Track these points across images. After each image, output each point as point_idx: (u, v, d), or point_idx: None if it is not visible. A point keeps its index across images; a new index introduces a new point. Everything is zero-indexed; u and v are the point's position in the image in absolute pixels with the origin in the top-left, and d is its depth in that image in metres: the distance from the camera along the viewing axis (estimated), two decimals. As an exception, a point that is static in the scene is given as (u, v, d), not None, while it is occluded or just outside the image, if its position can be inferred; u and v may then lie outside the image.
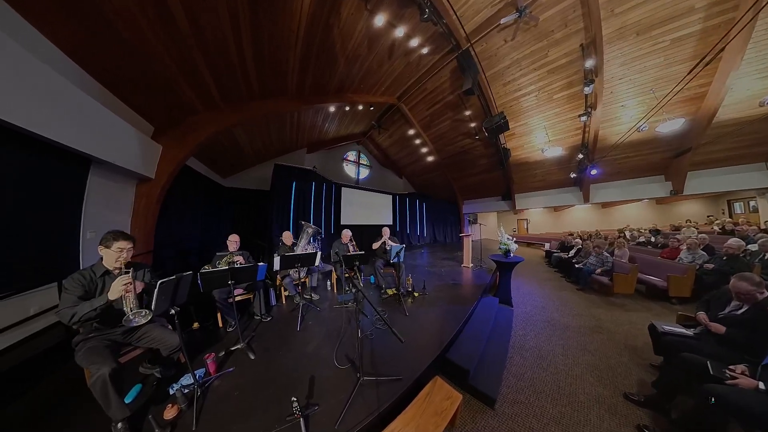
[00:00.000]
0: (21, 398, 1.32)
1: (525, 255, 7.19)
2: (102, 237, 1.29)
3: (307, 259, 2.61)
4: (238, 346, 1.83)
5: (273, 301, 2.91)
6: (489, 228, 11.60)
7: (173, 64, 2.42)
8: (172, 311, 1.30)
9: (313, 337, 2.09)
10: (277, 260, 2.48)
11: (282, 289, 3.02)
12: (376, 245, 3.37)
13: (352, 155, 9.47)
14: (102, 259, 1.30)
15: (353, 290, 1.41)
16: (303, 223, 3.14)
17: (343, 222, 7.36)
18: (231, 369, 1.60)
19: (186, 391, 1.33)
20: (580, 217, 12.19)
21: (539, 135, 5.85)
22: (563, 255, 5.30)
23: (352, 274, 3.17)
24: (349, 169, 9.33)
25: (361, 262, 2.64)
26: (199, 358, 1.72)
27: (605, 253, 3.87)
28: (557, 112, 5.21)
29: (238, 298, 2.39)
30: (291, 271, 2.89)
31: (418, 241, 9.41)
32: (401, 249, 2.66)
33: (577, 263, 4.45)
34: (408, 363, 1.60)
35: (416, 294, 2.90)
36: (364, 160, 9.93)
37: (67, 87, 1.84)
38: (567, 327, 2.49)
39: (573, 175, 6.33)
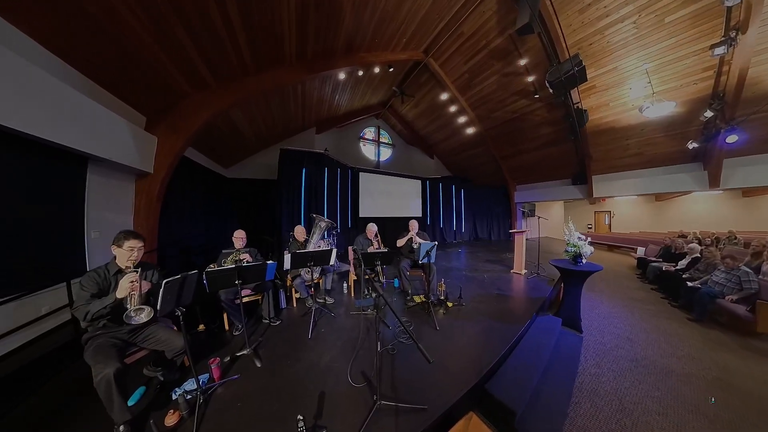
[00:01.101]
0: (32, 396, 1.57)
1: (604, 262, 6.42)
2: (115, 236, 1.51)
3: (321, 258, 2.65)
4: (244, 352, 1.95)
5: (283, 304, 3.06)
6: (551, 223, 10.47)
7: (154, 43, 2.53)
8: (178, 312, 1.43)
9: (326, 346, 2.13)
10: (287, 258, 2.56)
11: (293, 290, 3.15)
12: (401, 242, 3.32)
13: (370, 133, 9.35)
14: (115, 258, 1.52)
15: (373, 295, 1.37)
16: (314, 216, 3.19)
17: (362, 214, 7.40)
18: (236, 376, 1.72)
19: (188, 397, 1.45)
20: (699, 211, 9.57)
21: (637, 85, 4.61)
22: (668, 266, 4.43)
23: (373, 275, 3.15)
24: (368, 150, 9.25)
25: (384, 261, 2.63)
26: (203, 362, 1.87)
27: (744, 269, 2.95)
28: (670, 44, 3.96)
29: (245, 300, 2.54)
30: (303, 271, 2.97)
31: (453, 238, 9.12)
32: (432, 247, 2.60)
33: (692, 280, 3.62)
34: (436, 390, 1.54)
35: (450, 304, 2.84)
36: (384, 138, 9.74)
37: (49, 81, 1.95)
38: (668, 373, 2.08)
39: (692, 146, 4.80)
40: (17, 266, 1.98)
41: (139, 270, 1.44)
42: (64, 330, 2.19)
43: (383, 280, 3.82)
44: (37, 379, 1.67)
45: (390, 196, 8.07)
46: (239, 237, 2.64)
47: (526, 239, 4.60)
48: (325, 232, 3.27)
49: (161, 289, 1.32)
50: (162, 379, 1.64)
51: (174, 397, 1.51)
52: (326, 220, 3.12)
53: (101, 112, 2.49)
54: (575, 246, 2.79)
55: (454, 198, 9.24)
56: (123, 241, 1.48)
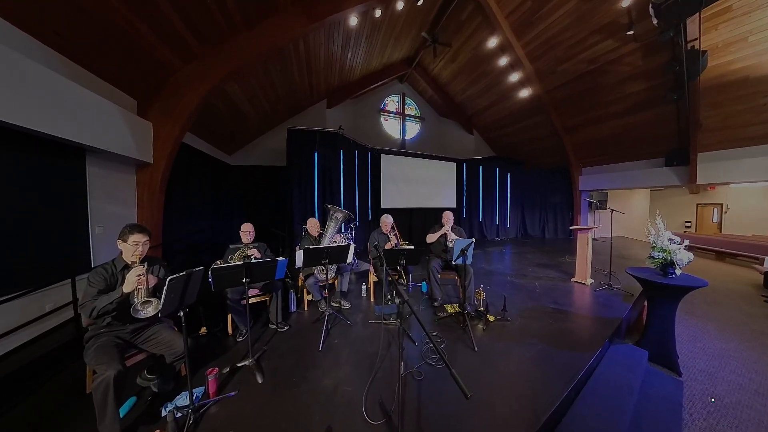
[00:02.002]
0: (31, 396, 1.73)
1: (710, 275, 5.46)
2: (120, 231, 1.63)
3: (337, 254, 2.63)
4: (246, 363, 1.99)
5: (293, 307, 3.14)
6: (629, 218, 9.30)
7: (129, 13, 2.56)
8: (181, 312, 1.51)
9: (339, 362, 2.10)
10: (299, 255, 2.57)
11: (305, 291, 3.20)
12: (432, 238, 3.26)
13: (392, 103, 9.09)
14: (122, 253, 1.65)
15: (397, 301, 1.31)
16: (329, 206, 3.17)
17: (384, 204, 7.35)
18: (233, 393, 1.73)
19: (179, 415, 1.47)
20: None
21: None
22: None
23: (397, 277, 3.13)
24: (391, 127, 9.07)
25: (409, 261, 2.58)
26: (201, 371, 1.92)
27: None
28: None
29: (252, 300, 2.60)
30: (316, 270, 2.99)
31: (496, 235, 8.88)
32: (469, 245, 2.54)
33: None
34: (476, 434, 1.43)
35: (491, 318, 2.74)
36: (411, 109, 9.44)
37: (25, 64, 2.02)
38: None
39: None
40: (21, 264, 2.22)
41: (145, 264, 1.57)
42: (66, 328, 2.45)
43: (409, 284, 3.87)
44: (37, 379, 1.87)
45: (418, 183, 7.88)
46: (247, 231, 2.71)
47: (593, 239, 4.33)
48: (342, 225, 3.23)
49: (164, 287, 1.38)
50: (155, 390, 1.70)
51: (163, 413, 1.55)
52: (343, 211, 3.08)
53: (88, 98, 2.61)
54: (665, 251, 2.41)
55: (498, 184, 8.88)
56: (128, 235, 1.60)
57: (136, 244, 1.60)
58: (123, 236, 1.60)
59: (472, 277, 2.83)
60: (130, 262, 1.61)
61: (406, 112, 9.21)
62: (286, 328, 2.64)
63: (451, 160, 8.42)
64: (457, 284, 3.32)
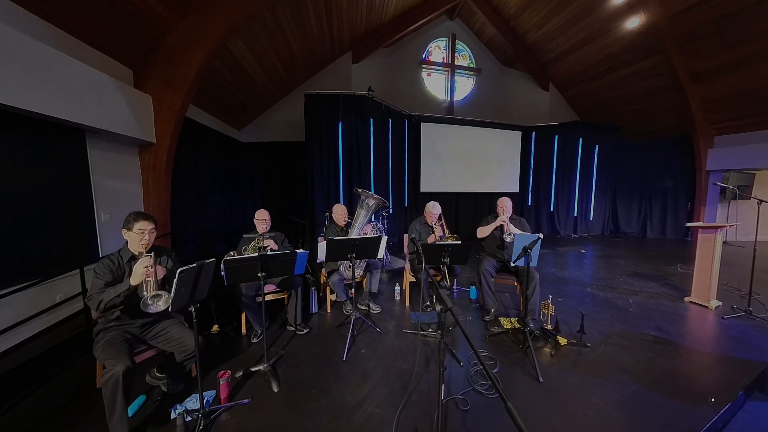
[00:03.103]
0: (40, 389, 2.02)
1: None
2: (125, 219, 1.80)
3: (366, 248, 2.69)
4: (260, 368, 2.16)
5: (314, 307, 3.32)
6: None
7: None
8: (192, 308, 1.66)
9: (366, 377, 2.16)
10: (321, 247, 2.68)
11: (327, 290, 3.36)
12: (484, 231, 3.22)
13: (438, 50, 8.74)
14: (127, 243, 1.82)
15: (438, 308, 1.34)
16: (359, 191, 3.24)
17: (424, 188, 7.33)
18: (246, 401, 1.90)
19: (188, 419, 1.65)
20: None
21: None
22: None
23: (439, 278, 3.11)
24: (435, 84, 8.78)
25: (455, 259, 2.58)
26: (212, 373, 2.13)
27: None
28: None
29: (268, 298, 2.80)
30: (342, 266, 3.10)
31: (574, 231, 8.51)
32: (535, 242, 2.44)
33: None
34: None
35: (562, 340, 2.64)
36: (463, 57, 8.99)
37: (11, 34, 2.18)
38: None
39: None
40: (29, 255, 2.64)
41: (152, 254, 1.73)
42: (77, 319, 2.88)
43: (454, 288, 3.86)
44: (49, 371, 2.23)
45: (468, 159, 7.69)
46: (262, 219, 2.89)
47: (724, 242, 4.00)
48: (373, 214, 3.30)
49: (175, 279, 1.51)
50: (165, 389, 1.93)
51: (173, 415, 1.76)
52: (375, 196, 3.11)
53: (80, 70, 2.85)
54: None
55: (581, 161, 8.30)
56: (132, 223, 1.77)
57: (142, 233, 1.76)
58: (127, 225, 1.78)
59: (538, 284, 2.77)
60: (136, 253, 1.78)
61: (456, 63, 8.75)
62: (306, 331, 2.81)
63: (516, 128, 8.06)
64: (517, 292, 3.27)
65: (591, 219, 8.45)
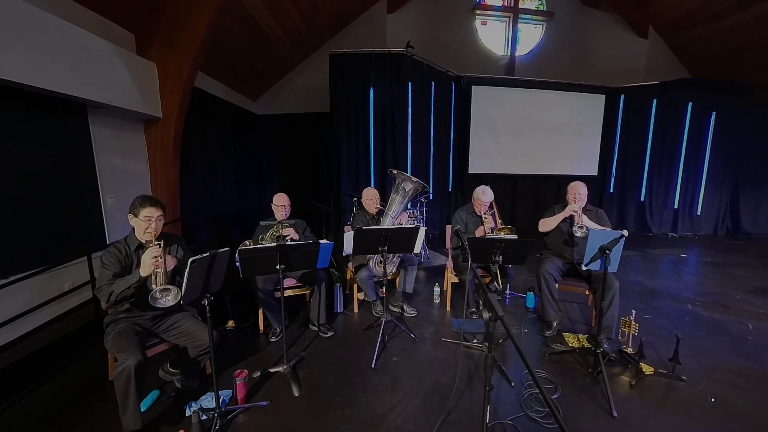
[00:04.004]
0: (49, 381, 2.29)
1: None
2: (131, 203, 1.94)
3: (401, 240, 2.75)
4: (279, 369, 2.34)
5: (339, 307, 3.48)
6: None
7: None
8: (205, 301, 1.78)
9: (396, 389, 2.27)
10: (347, 237, 2.80)
11: (354, 287, 3.49)
12: (548, 224, 3.19)
13: None
14: (134, 230, 1.98)
15: (486, 315, 1.32)
16: (395, 172, 3.27)
17: (473, 169, 7.31)
18: (264, 403, 2.09)
19: (204, 417, 1.84)
20: None
21: None
22: None
23: (488, 280, 3.15)
24: (491, 35, 8.52)
25: (508, 258, 2.60)
26: (228, 372, 2.33)
27: None
28: None
29: (288, 293, 2.97)
30: (372, 261, 3.20)
31: (672, 228, 8.18)
32: (616, 241, 2.35)
33: None
34: None
35: (647, 368, 2.58)
36: None
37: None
38: None
39: None
40: (34, 240, 2.99)
41: (162, 243, 1.87)
42: (87, 309, 3.25)
43: (506, 292, 3.86)
44: (61, 360, 2.58)
45: (531, 133, 7.52)
46: (281, 204, 3.04)
47: None
48: (410, 201, 3.34)
49: (186, 269, 1.64)
50: (179, 386, 2.16)
51: (188, 413, 1.96)
52: (414, 179, 3.13)
53: (77, 36, 3.01)
54: None
55: (688, 135, 7.73)
56: (139, 208, 1.92)
57: (149, 220, 1.90)
58: (134, 210, 1.93)
59: (617, 294, 2.72)
60: (144, 241, 1.94)
61: (521, 6, 8.37)
62: (330, 333, 2.97)
63: (598, 90, 7.67)
64: (589, 303, 3.25)
65: (698, 213, 7.95)
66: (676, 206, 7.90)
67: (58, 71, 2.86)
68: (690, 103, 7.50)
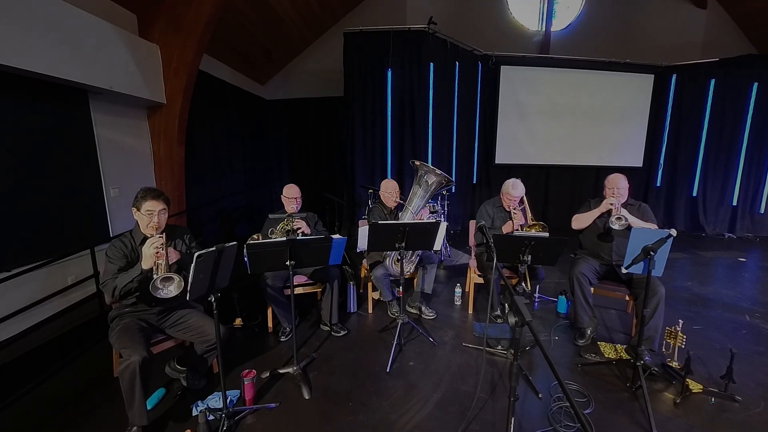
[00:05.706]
0: (59, 372, 2.46)
1: None
2: (135, 196, 2.02)
3: (420, 236, 2.78)
4: (289, 370, 2.42)
5: (352, 306, 3.54)
6: None
7: None
8: (211, 297, 1.85)
9: (413, 396, 2.31)
10: (362, 232, 2.82)
11: (369, 286, 3.54)
12: (583, 220, 3.17)
13: None
14: (138, 224, 2.07)
15: (512, 320, 1.33)
16: (417, 164, 3.28)
17: (500, 159, 7.28)
18: (273, 405, 2.18)
19: (211, 417, 1.93)
20: None
21: None
22: None
23: (515, 282, 3.17)
24: (523, 9, 8.39)
25: (538, 257, 2.61)
26: (235, 371, 2.43)
27: None
28: None
29: (298, 291, 3.03)
30: (388, 258, 3.23)
31: (729, 229, 8.02)
32: (662, 241, 2.31)
33: None
34: None
35: (694, 385, 2.54)
36: None
37: None
38: None
39: None
40: (35, 232, 3.15)
41: (164, 235, 1.95)
42: (91, 303, 3.43)
43: (535, 295, 3.88)
44: (65, 355, 2.74)
45: (567, 118, 7.44)
46: (292, 196, 3.10)
47: None
48: (432, 194, 3.32)
49: (192, 264, 1.68)
50: (185, 383, 2.26)
51: (195, 412, 2.06)
52: (438, 172, 3.14)
53: (75, 15, 3.07)
54: None
55: (751, 121, 7.43)
56: (141, 201, 2.01)
57: (150, 214, 1.98)
58: (136, 203, 2.01)
59: (662, 301, 2.68)
60: (148, 236, 1.98)
61: None
62: (343, 333, 3.03)
63: (645, 69, 7.47)
64: (629, 310, 3.27)
65: (761, 212, 7.66)
66: (734, 203, 7.64)
67: (56, 55, 2.95)
68: (755, 84, 7.16)
